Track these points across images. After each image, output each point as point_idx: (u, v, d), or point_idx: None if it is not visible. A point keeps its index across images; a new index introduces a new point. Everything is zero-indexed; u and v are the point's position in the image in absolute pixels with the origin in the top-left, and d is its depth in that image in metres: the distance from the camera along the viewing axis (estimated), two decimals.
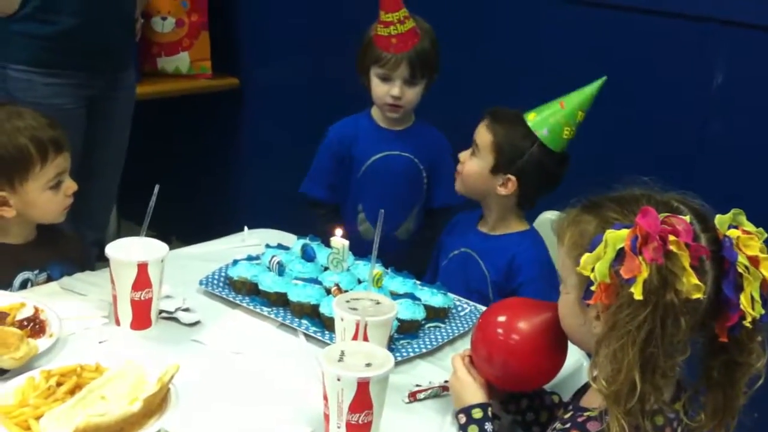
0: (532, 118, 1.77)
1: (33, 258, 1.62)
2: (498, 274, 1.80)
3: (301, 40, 2.98)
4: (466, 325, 1.54)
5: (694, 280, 1.00)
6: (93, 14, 2.20)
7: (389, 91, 2.02)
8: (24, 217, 1.61)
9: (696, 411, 1.15)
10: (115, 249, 1.43)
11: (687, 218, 1.04)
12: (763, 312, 1.07)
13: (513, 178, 1.78)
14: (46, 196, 1.60)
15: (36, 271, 1.62)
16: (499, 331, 1.23)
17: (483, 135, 1.81)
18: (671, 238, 1.00)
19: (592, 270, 1.04)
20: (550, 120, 1.76)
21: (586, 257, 1.05)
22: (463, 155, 1.86)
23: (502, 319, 1.25)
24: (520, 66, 2.40)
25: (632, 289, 1.00)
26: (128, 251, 1.42)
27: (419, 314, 1.50)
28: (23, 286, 1.59)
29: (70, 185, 1.63)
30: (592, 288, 1.05)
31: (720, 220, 1.08)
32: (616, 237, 1.02)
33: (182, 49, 3.00)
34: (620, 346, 1.03)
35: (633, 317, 1.02)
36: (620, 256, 1.02)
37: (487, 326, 1.26)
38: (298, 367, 1.38)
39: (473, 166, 1.82)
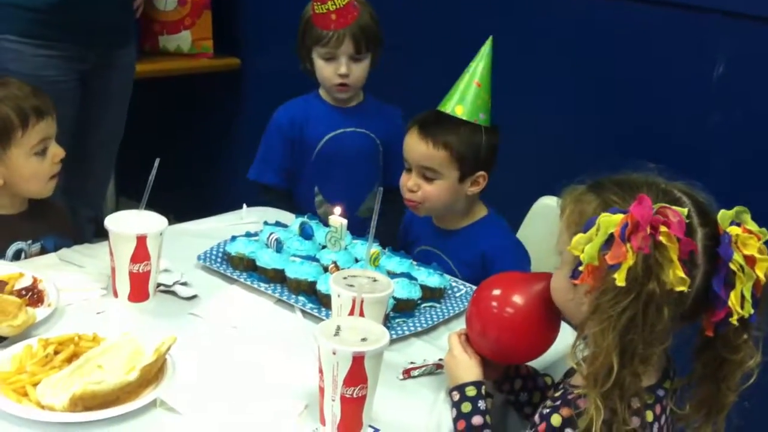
0: (462, 111, 1.69)
1: (26, 229, 1.63)
2: (470, 270, 1.73)
3: None
4: (461, 306, 1.55)
5: (680, 273, 1.01)
6: None
7: (336, 70, 1.98)
8: (13, 188, 1.62)
9: (684, 401, 1.16)
10: (114, 221, 1.43)
11: (685, 210, 1.04)
12: (752, 312, 1.08)
13: (482, 173, 1.73)
14: (31, 162, 1.60)
15: (29, 242, 1.62)
16: (494, 304, 1.24)
17: (432, 155, 1.70)
18: (662, 228, 1.01)
19: (583, 251, 1.05)
20: (478, 103, 1.70)
21: (578, 237, 1.06)
22: (412, 184, 1.73)
23: (496, 292, 1.26)
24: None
25: (615, 276, 1.01)
26: (127, 224, 1.43)
27: (415, 293, 1.51)
28: (17, 256, 1.60)
29: (56, 152, 1.63)
30: (580, 268, 1.06)
31: (722, 216, 1.09)
32: (609, 221, 1.03)
33: (184, 28, 2.99)
34: (601, 330, 1.04)
35: (615, 303, 1.03)
36: (610, 241, 1.03)
37: (481, 300, 1.27)
38: (294, 342, 1.39)
39: (436, 189, 1.72)
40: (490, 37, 1.71)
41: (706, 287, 1.07)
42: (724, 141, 2.09)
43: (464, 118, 1.70)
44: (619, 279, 1.01)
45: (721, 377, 1.13)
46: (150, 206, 1.45)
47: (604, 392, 1.05)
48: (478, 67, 1.71)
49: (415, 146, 1.73)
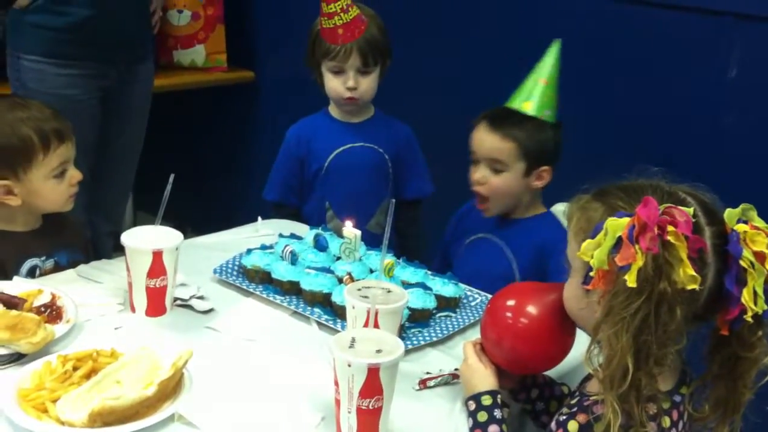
0: (529, 107, 1.76)
1: (39, 245, 1.65)
2: (525, 259, 1.78)
3: None
4: (476, 315, 1.55)
5: (690, 271, 1.01)
6: (106, 5, 2.21)
7: (344, 83, 1.99)
8: (29, 206, 1.64)
9: (701, 403, 1.16)
10: (130, 237, 1.45)
11: (691, 210, 1.05)
12: (765, 308, 1.08)
13: (547, 167, 1.79)
14: (50, 184, 1.62)
15: (43, 258, 1.64)
16: (508, 314, 1.25)
17: (500, 147, 1.76)
18: (669, 228, 1.02)
19: (592, 256, 1.05)
20: (545, 100, 1.77)
21: (587, 243, 1.06)
22: (480, 176, 1.79)
23: (511, 303, 1.26)
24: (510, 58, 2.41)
25: (626, 277, 1.02)
26: (143, 239, 1.45)
27: (430, 303, 1.51)
28: (31, 272, 1.62)
29: (74, 174, 1.66)
30: (591, 274, 1.07)
31: (729, 214, 1.09)
32: (616, 225, 1.04)
33: (198, 42, 3.02)
34: (614, 332, 1.05)
35: (627, 304, 1.03)
36: (619, 244, 1.03)
37: (496, 310, 1.27)
38: (310, 354, 1.39)
39: (503, 181, 1.77)
40: (558, 40, 1.77)
41: (718, 286, 1.07)
42: (737, 142, 2.08)
43: (531, 113, 1.76)
44: (630, 280, 1.01)
45: (736, 376, 1.13)
46: (166, 219, 1.47)
47: (621, 394, 1.05)
48: (545, 66, 1.77)
49: (484, 138, 1.78)
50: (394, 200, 1.34)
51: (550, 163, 1.79)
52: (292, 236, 1.70)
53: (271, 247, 1.66)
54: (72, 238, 1.73)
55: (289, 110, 3.10)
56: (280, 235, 1.71)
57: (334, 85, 2.01)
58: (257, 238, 1.80)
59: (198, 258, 1.67)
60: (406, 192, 2.12)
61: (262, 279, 1.60)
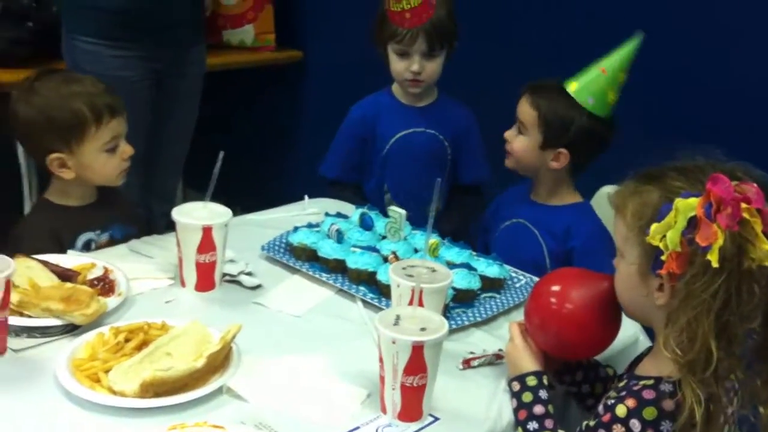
0: (574, 88, 1.74)
1: (94, 219, 1.69)
2: (554, 241, 1.79)
3: (365, 13, 2.98)
4: (521, 296, 1.54)
5: (766, 247, 1.00)
6: None
7: (408, 67, 1.99)
8: (82, 179, 1.68)
9: (752, 378, 1.14)
10: (181, 213, 1.47)
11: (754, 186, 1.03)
12: None
13: (564, 151, 1.76)
14: (102, 158, 1.65)
15: (98, 231, 1.69)
16: (553, 300, 1.24)
17: (526, 111, 1.78)
18: (743, 205, 1.01)
19: (662, 239, 1.04)
20: (593, 87, 1.73)
21: (655, 227, 1.05)
22: (509, 134, 1.83)
23: (555, 288, 1.26)
24: (556, 38, 2.35)
25: (709, 257, 1.00)
26: (193, 215, 1.47)
27: (475, 284, 1.51)
28: (86, 246, 1.66)
29: (126, 149, 1.69)
30: (662, 258, 1.05)
31: None
32: (687, 205, 1.03)
33: (247, 22, 3.04)
34: (695, 315, 1.04)
35: (708, 285, 1.03)
36: (692, 224, 1.02)
37: (540, 295, 1.27)
38: (355, 331, 1.41)
39: (521, 144, 1.80)
40: (640, 34, 1.71)
41: None
42: None
43: (572, 94, 1.74)
44: (714, 260, 1.00)
45: None
46: (215, 197, 1.49)
47: (704, 379, 1.04)
48: (612, 56, 1.74)
49: (521, 100, 1.82)
50: (439, 179, 1.35)
51: (570, 148, 1.76)
52: (338, 215, 1.71)
53: (317, 225, 1.68)
54: (126, 213, 1.78)
55: (336, 90, 3.12)
56: (326, 214, 1.72)
57: (398, 67, 2.02)
58: (304, 216, 1.82)
59: (246, 235, 1.70)
60: (463, 177, 2.13)
61: (309, 257, 1.62)
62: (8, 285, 1.22)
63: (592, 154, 1.79)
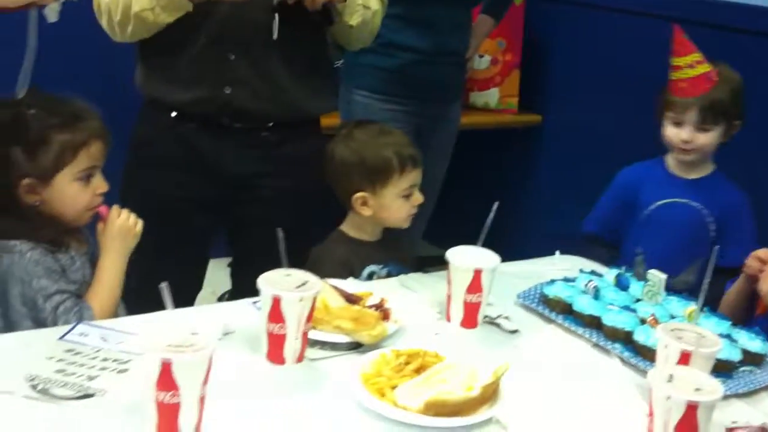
0: None
1: (379, 255, 1.89)
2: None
3: (607, 85, 3.05)
4: None
5: None
6: (431, 52, 2.46)
7: (679, 135, 2.04)
8: (376, 219, 1.89)
9: None
10: (454, 254, 1.60)
11: None
12: None
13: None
14: (398, 203, 1.87)
15: (380, 266, 1.87)
16: None
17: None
18: None
19: None
20: None
21: None
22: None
23: None
24: None
25: None
26: (465, 258, 1.60)
27: (735, 356, 1.51)
28: (369, 277, 1.85)
29: (417, 197, 1.90)
30: None
31: None
32: None
33: (493, 85, 3.21)
34: None
35: None
36: None
37: None
38: (613, 386, 1.45)
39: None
40: None
41: None
42: None
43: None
44: None
45: None
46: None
47: None
48: None
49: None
50: (717, 247, 1.37)
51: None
52: (593, 273, 1.77)
53: (573, 280, 1.75)
54: (402, 254, 1.96)
55: (574, 153, 3.19)
56: (581, 270, 1.79)
57: (670, 133, 2.08)
58: (555, 270, 1.89)
59: (501, 283, 1.79)
60: (722, 258, 2.11)
61: (563, 309, 1.69)
62: (314, 302, 1.39)
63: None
